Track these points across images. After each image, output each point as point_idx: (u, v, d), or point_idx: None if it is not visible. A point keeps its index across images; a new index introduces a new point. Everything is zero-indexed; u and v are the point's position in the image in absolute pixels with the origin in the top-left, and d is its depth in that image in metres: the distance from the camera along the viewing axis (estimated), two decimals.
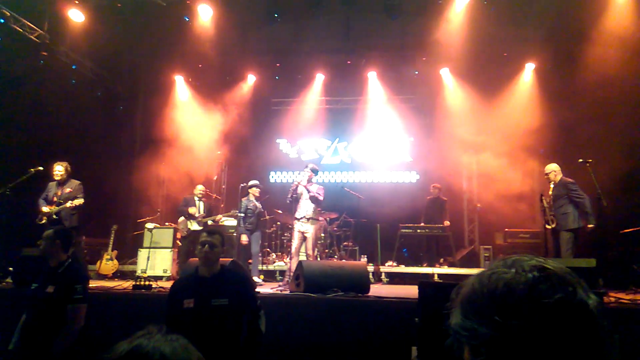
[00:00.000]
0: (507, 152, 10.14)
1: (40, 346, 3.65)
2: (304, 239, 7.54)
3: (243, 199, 8.49)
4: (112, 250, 9.40)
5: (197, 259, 7.81)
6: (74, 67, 10.82)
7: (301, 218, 7.54)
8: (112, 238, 9.44)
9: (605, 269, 6.88)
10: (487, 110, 10.77)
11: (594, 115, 8.87)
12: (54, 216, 7.01)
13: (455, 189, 11.38)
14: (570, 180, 7.17)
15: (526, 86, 11.00)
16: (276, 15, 10.36)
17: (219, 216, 9.31)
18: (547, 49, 10.39)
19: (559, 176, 7.30)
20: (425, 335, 3.62)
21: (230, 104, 11.94)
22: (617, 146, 8.15)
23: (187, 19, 10.40)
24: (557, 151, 9.34)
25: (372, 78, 12.14)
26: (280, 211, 9.75)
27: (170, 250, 9.37)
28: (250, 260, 8.34)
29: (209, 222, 9.24)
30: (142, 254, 9.19)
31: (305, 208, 7.54)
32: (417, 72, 12.05)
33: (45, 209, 7.08)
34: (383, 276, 9.18)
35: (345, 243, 10.34)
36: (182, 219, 9.07)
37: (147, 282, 6.35)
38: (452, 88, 11.63)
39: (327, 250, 9.97)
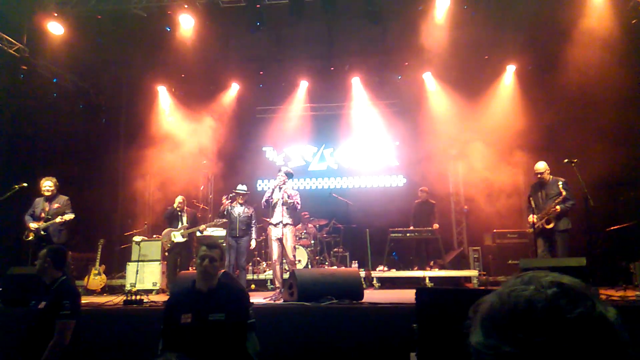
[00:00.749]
0: (492, 153, 10.26)
1: None
2: (282, 245, 7.51)
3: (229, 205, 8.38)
4: (100, 265, 9.25)
5: (186, 271, 7.77)
6: (54, 80, 10.67)
7: (277, 224, 7.48)
8: (99, 252, 9.29)
9: (594, 267, 6.96)
10: (470, 112, 10.90)
11: (576, 115, 9.02)
12: (42, 232, 6.90)
13: (442, 192, 11.46)
14: (563, 179, 7.06)
15: (508, 88, 11.16)
16: (258, 23, 10.33)
17: (203, 226, 9.22)
18: (528, 51, 10.56)
19: (550, 175, 7.20)
20: (424, 341, 3.62)
21: (214, 113, 11.88)
22: (600, 145, 8.29)
23: (169, 29, 10.32)
24: (541, 152, 9.45)
25: (356, 83, 12.18)
26: (268, 219, 9.69)
27: (159, 262, 9.26)
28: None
29: (197, 234, 9.17)
30: (131, 267, 9.06)
31: (280, 214, 7.49)
32: (400, 77, 12.14)
33: (33, 225, 6.96)
34: (375, 281, 9.19)
35: (335, 249, 10.34)
36: (165, 231, 8.98)
37: (138, 297, 6.28)
38: (435, 92, 11.73)
39: (317, 257, 9.98)
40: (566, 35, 9.15)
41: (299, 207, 7.69)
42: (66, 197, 7.26)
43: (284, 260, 7.57)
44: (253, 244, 8.29)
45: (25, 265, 6.88)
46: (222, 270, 6.09)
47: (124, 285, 8.97)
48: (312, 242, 10.05)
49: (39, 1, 9.43)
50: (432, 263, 9.99)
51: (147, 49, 11.01)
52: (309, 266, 9.44)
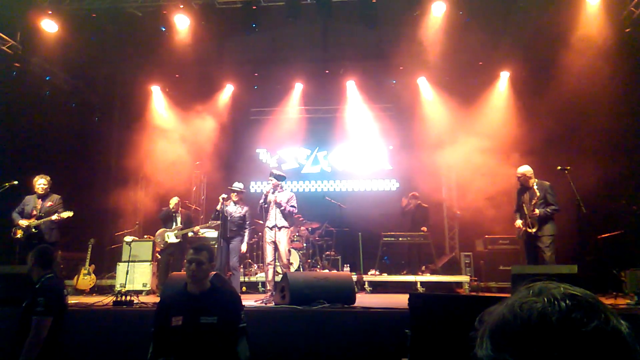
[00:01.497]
0: (485, 158, 10.26)
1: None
2: (276, 248, 7.47)
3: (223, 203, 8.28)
4: (90, 265, 9.17)
5: (177, 272, 7.70)
6: (48, 78, 10.59)
7: (272, 227, 7.47)
8: (89, 252, 9.20)
9: (585, 274, 6.96)
10: (464, 118, 10.91)
11: (569, 122, 9.05)
12: (33, 230, 6.83)
13: (435, 197, 11.46)
14: (548, 183, 6.99)
15: (502, 95, 11.21)
16: (254, 25, 10.31)
17: (197, 227, 9.17)
18: (522, 58, 10.61)
19: (535, 179, 7.03)
20: (417, 346, 3.61)
21: (208, 114, 11.83)
22: (593, 152, 8.33)
23: (164, 29, 10.27)
24: (534, 158, 9.48)
25: (351, 87, 12.18)
26: (261, 222, 9.64)
27: (149, 263, 9.19)
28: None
29: (189, 234, 9.12)
30: (121, 268, 8.97)
31: (275, 217, 7.47)
32: (394, 81, 12.16)
33: (23, 222, 6.89)
34: (366, 285, 9.18)
35: (327, 252, 10.31)
36: (159, 231, 8.93)
37: (128, 298, 6.21)
38: (429, 97, 11.76)
39: (309, 261, 9.94)
40: (560, 43, 9.20)
41: (295, 211, 7.68)
42: (59, 196, 7.24)
43: (278, 263, 7.54)
44: (244, 247, 8.07)
45: (13, 263, 6.81)
46: (214, 272, 6.07)
47: (114, 286, 8.88)
48: (304, 245, 10.01)
49: None
50: (423, 268, 9.99)
51: (142, 49, 10.96)
52: (301, 269, 9.40)
